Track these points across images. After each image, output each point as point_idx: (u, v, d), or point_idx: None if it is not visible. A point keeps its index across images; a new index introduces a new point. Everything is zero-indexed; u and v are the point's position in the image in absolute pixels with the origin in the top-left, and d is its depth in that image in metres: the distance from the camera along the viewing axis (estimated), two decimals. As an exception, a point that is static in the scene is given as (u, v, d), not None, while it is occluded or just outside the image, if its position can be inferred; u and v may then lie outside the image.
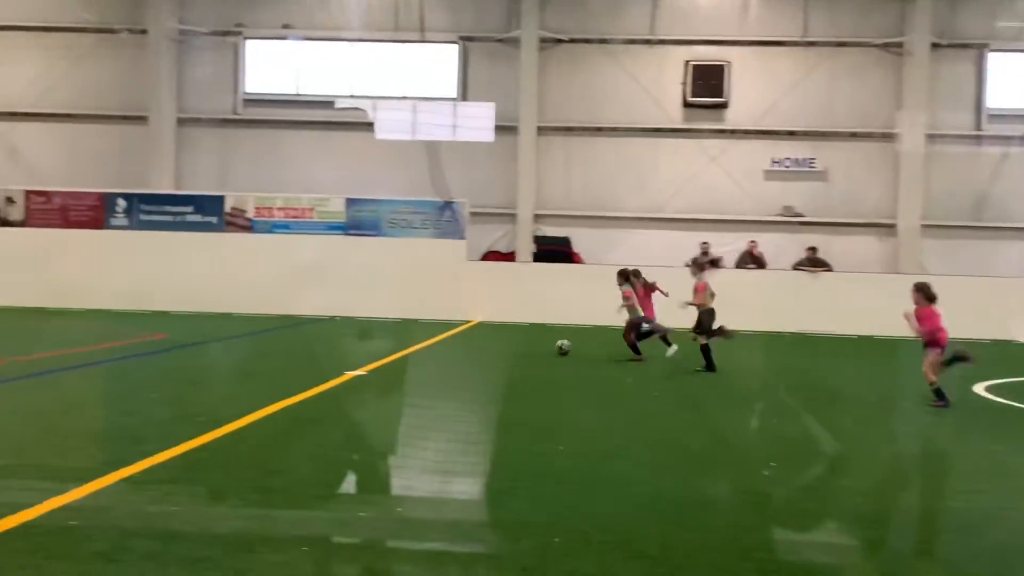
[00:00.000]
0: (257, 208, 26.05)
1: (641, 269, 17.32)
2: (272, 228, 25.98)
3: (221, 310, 24.76)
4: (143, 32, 28.13)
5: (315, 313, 24.85)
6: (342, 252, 25.50)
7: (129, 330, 19.80)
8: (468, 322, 23.60)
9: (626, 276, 16.63)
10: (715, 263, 16.51)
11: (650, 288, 17.04)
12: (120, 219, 26.16)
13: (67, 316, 23.36)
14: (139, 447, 8.20)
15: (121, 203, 26.20)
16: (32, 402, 10.89)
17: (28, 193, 26.36)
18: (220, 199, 26.19)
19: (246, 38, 28.66)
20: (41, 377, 12.79)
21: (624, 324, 16.60)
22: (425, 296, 25.06)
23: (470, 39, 28.21)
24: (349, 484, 7.49)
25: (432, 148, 27.38)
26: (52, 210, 26.24)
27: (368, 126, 27.80)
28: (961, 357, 12.01)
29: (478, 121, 27.62)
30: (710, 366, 14.66)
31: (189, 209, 26.11)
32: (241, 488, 7.09)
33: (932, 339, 11.94)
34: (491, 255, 27.39)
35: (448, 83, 28.36)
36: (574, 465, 8.06)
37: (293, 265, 25.30)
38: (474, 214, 26.65)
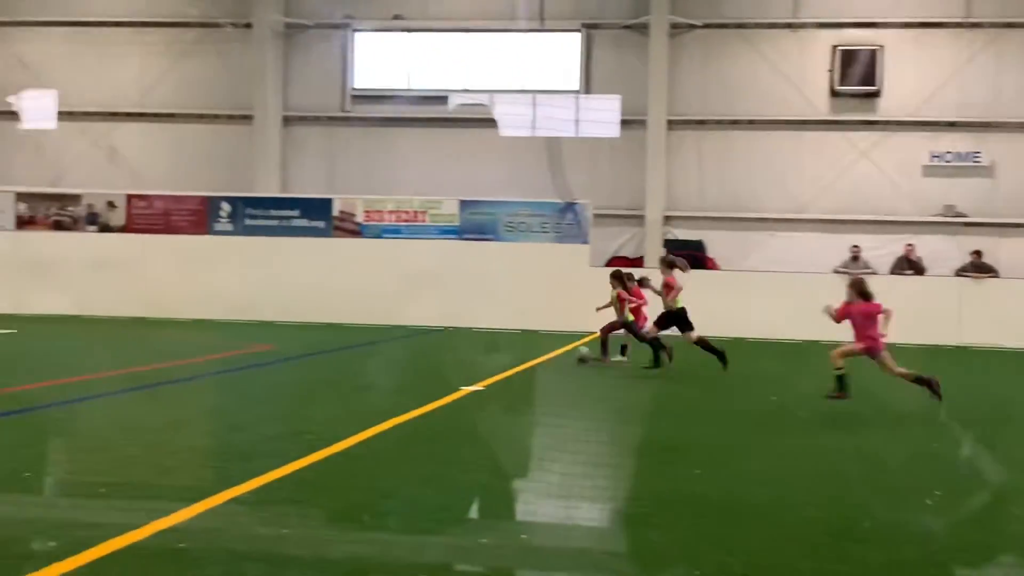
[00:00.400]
0: (366, 212, 26.46)
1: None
2: (382, 233, 26.36)
3: (328, 320, 25.21)
4: (247, 26, 28.90)
5: (427, 324, 25.09)
6: (456, 258, 25.71)
7: (234, 341, 20.30)
8: (592, 334, 23.54)
9: (621, 278, 17.03)
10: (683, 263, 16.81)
11: (643, 286, 17.37)
12: (224, 224, 26.86)
13: (168, 326, 24.09)
14: (247, 465, 8.39)
15: (225, 207, 26.91)
16: (135, 417, 11.25)
17: (129, 197, 27.29)
18: (328, 202, 26.69)
19: (355, 30, 29.21)
20: (144, 391, 13.20)
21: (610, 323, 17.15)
22: (545, 305, 25.11)
23: (594, 26, 28.21)
24: (468, 508, 7.53)
25: (553, 145, 27.44)
26: (154, 215, 27.11)
27: (484, 122, 28.03)
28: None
29: (602, 115, 27.60)
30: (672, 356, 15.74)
31: (295, 213, 26.66)
32: (354, 511, 7.20)
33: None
34: (616, 260, 27.29)
35: (570, 75, 28.41)
36: (712, 490, 7.97)
37: (404, 272, 25.60)
38: (598, 216, 26.61)
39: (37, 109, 29.04)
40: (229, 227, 26.85)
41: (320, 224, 26.52)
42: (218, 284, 26.15)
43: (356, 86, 29.25)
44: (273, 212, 26.81)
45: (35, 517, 6.92)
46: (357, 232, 26.46)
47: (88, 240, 26.84)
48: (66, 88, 29.11)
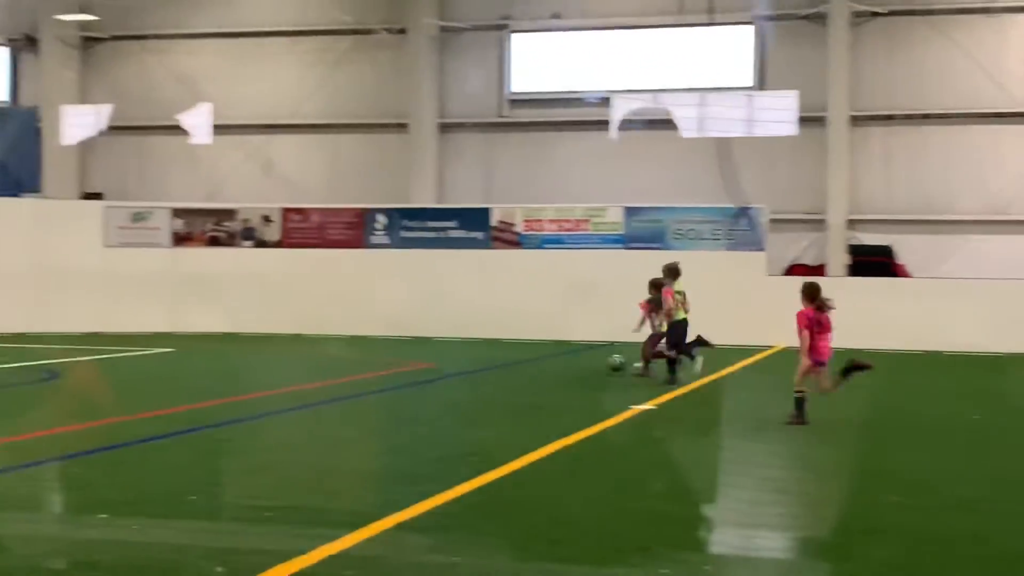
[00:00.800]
0: (526, 221, 26.62)
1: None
2: (542, 243, 26.48)
3: (488, 336, 25.41)
4: (401, 31, 29.46)
5: (592, 338, 25.05)
6: (621, 268, 25.53)
7: (392, 359, 20.65)
8: (770, 348, 23.15)
9: (658, 286, 16.95)
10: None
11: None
12: (380, 237, 27.38)
13: (325, 343, 24.66)
14: (413, 488, 8.51)
15: (381, 219, 27.44)
16: (296, 438, 11.55)
17: (285, 211, 28.08)
18: (486, 212, 26.96)
19: (512, 32, 29.46)
20: (305, 410, 13.54)
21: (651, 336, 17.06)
22: (718, 318, 24.72)
23: (768, 18, 27.79)
24: (646, 536, 7.46)
25: (724, 146, 27.11)
26: (309, 229, 27.83)
27: (649, 124, 27.89)
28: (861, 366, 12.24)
29: (778, 113, 27.14)
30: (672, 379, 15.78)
31: (453, 224, 27.00)
32: (526, 538, 7.22)
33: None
34: (796, 268, 26.79)
35: (742, 70, 28.06)
36: (913, 519, 7.74)
37: (566, 284, 25.64)
38: (775, 221, 26.17)
39: (192, 123, 30.15)
40: (385, 240, 27.35)
41: (478, 235, 26.80)
42: (374, 299, 26.66)
43: (514, 90, 29.49)
44: (430, 223, 27.21)
45: (201, 543, 7.15)
46: (516, 243, 26.63)
47: (244, 256, 27.71)
48: (221, 100, 30.14)
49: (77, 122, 30.37)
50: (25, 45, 31.79)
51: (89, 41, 31.54)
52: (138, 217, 28.19)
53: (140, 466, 9.75)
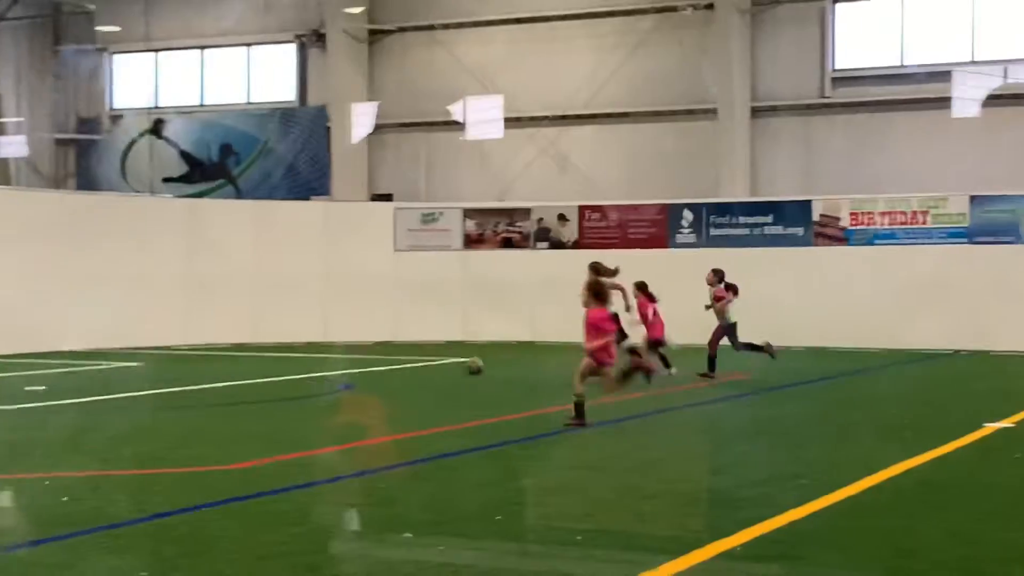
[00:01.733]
0: (852, 214, 26.04)
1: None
2: (872, 239, 25.84)
3: (810, 343, 24.96)
4: (708, 7, 29.35)
5: (932, 346, 24.26)
6: (966, 266, 24.69)
7: (702, 370, 20.60)
8: None
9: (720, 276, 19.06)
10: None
11: (650, 299, 18.96)
12: (686, 235, 27.36)
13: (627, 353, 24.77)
14: (734, 514, 8.49)
15: (687, 215, 27.40)
16: (601, 456, 11.68)
17: (581, 209, 28.45)
18: (806, 205, 26.52)
19: (835, 1, 28.85)
20: (606, 427, 13.66)
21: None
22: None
23: None
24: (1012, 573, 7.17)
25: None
26: (608, 228, 28.09)
27: (998, 100, 26.71)
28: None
29: None
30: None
31: (768, 219, 26.70)
32: (868, 572, 7.07)
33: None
34: None
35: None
36: None
37: (901, 285, 24.95)
38: None
39: (482, 117, 30.99)
40: (692, 238, 27.32)
41: (798, 231, 26.40)
42: (681, 303, 26.51)
43: (837, 67, 28.87)
44: (742, 219, 27.01)
45: (509, 566, 7.35)
46: (842, 239, 26.09)
47: (539, 258, 28.27)
48: (511, 92, 30.88)
49: (365, 120, 31.76)
50: (313, 41, 33.54)
51: (376, 34, 32.96)
52: (428, 219, 29.24)
53: (442, 483, 10.09)
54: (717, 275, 19.48)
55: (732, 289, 19.41)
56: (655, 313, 18.91)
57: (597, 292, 13.08)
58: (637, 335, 18.42)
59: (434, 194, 31.76)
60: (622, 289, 17.77)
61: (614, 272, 17.07)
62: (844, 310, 25.32)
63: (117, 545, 7.79)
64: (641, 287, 18.93)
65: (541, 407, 15.22)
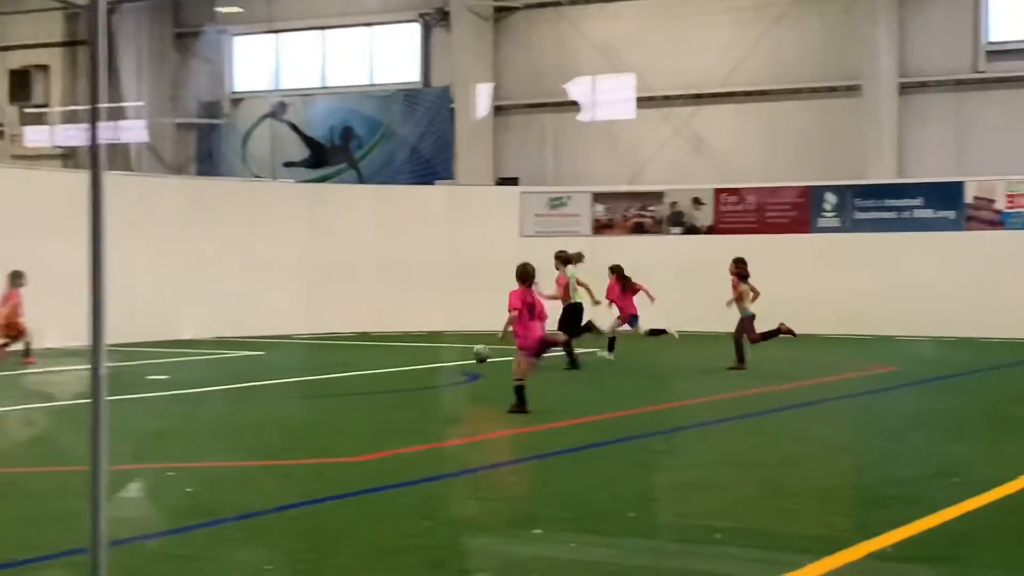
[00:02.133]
0: (1009, 196, 25.56)
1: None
2: (1030, 222, 25.37)
3: (962, 334, 24.52)
4: (853, -23, 28.90)
5: (1096, 338, 23.73)
6: None
7: (846, 361, 20.40)
8: None
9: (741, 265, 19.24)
10: (580, 258, 20.45)
11: (632, 288, 20.61)
12: (829, 219, 27.05)
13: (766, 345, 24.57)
14: (883, 512, 8.44)
15: (830, 198, 27.08)
16: (744, 450, 11.62)
17: (717, 192, 28.27)
18: (958, 187, 26.08)
19: (990, -32, 28.26)
20: (749, 419, 13.60)
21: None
22: None
23: None
24: None
25: None
26: (745, 212, 27.87)
27: None
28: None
29: None
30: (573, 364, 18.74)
31: (917, 202, 26.30)
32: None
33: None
34: None
35: None
36: None
37: (1062, 272, 24.42)
38: None
39: (612, 97, 30.93)
40: (835, 222, 27.01)
41: (949, 214, 25.98)
42: (824, 291, 26.31)
43: (992, 39, 28.21)
44: (889, 202, 26.66)
45: (644, 563, 7.34)
46: (998, 223, 25.60)
47: (672, 243, 28.15)
48: (642, 70, 30.70)
49: (490, 101, 31.89)
50: (436, 20, 33.74)
51: (501, 12, 33.03)
52: (556, 203, 29.30)
53: (574, 477, 10.12)
54: (738, 265, 19.45)
55: (744, 279, 19.41)
56: (621, 295, 20.64)
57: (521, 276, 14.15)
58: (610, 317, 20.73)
59: (562, 177, 31.74)
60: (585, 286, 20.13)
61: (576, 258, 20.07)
62: (999, 299, 24.84)
63: (241, 537, 7.97)
64: (616, 270, 20.82)
65: (673, 400, 15.19)
